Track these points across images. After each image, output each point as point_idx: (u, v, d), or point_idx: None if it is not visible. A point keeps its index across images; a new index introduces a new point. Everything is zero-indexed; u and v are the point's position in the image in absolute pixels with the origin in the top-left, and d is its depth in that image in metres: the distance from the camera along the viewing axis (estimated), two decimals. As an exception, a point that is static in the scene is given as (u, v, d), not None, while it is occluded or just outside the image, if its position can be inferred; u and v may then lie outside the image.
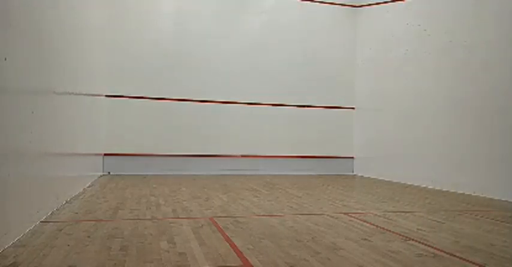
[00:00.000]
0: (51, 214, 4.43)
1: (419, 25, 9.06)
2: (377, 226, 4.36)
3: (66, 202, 5.20)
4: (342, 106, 10.97)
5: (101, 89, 8.53)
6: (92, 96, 7.46)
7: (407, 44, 9.37)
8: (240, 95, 10.19)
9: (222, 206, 5.35)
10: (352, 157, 10.96)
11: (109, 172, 8.05)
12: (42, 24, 4.00)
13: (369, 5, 10.60)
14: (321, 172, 10.65)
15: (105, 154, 9.00)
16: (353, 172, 10.95)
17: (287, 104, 10.53)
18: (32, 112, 3.64)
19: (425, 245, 3.62)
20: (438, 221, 4.75)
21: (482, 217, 5.15)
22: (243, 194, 6.44)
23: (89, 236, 3.54)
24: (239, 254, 3.17)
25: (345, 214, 5.04)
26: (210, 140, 9.78)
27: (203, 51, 9.88)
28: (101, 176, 8.56)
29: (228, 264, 2.91)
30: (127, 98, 9.35)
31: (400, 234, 4.01)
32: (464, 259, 3.21)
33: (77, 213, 4.57)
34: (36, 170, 3.88)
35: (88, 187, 6.81)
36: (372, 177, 10.12)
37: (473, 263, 3.11)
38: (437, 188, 8.11)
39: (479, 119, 7.43)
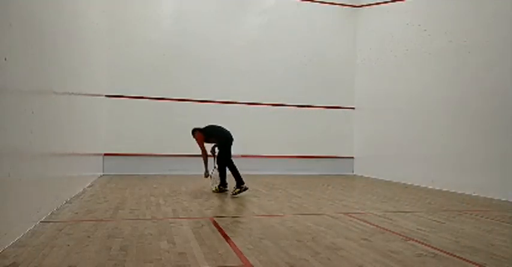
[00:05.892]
0: (51, 214, 4.43)
1: (419, 25, 9.06)
2: (377, 226, 4.36)
3: (66, 202, 5.20)
4: (342, 106, 10.98)
5: (101, 89, 8.53)
6: (92, 96, 7.46)
7: (407, 43, 9.36)
8: (240, 95, 10.19)
9: (222, 206, 5.35)
10: (352, 157, 10.97)
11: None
12: (42, 24, 4.00)
13: (369, 5, 10.60)
14: (321, 172, 10.65)
15: (105, 154, 9.01)
16: (353, 172, 10.95)
17: (287, 104, 10.53)
18: (32, 112, 3.64)
19: (425, 245, 3.62)
20: (438, 221, 4.75)
21: (482, 217, 5.15)
22: (242, 194, 6.44)
23: (89, 236, 3.53)
24: (239, 254, 3.17)
25: (345, 214, 5.04)
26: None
27: (203, 51, 9.88)
28: (101, 176, 8.56)
29: (228, 264, 2.91)
30: (127, 98, 9.35)
31: (400, 234, 4.01)
32: (464, 259, 3.21)
33: (77, 213, 4.57)
34: (36, 170, 3.87)
35: (88, 187, 6.81)
36: (372, 177, 10.13)
37: (473, 263, 3.11)
38: (437, 188, 8.11)
39: (479, 119, 7.42)
